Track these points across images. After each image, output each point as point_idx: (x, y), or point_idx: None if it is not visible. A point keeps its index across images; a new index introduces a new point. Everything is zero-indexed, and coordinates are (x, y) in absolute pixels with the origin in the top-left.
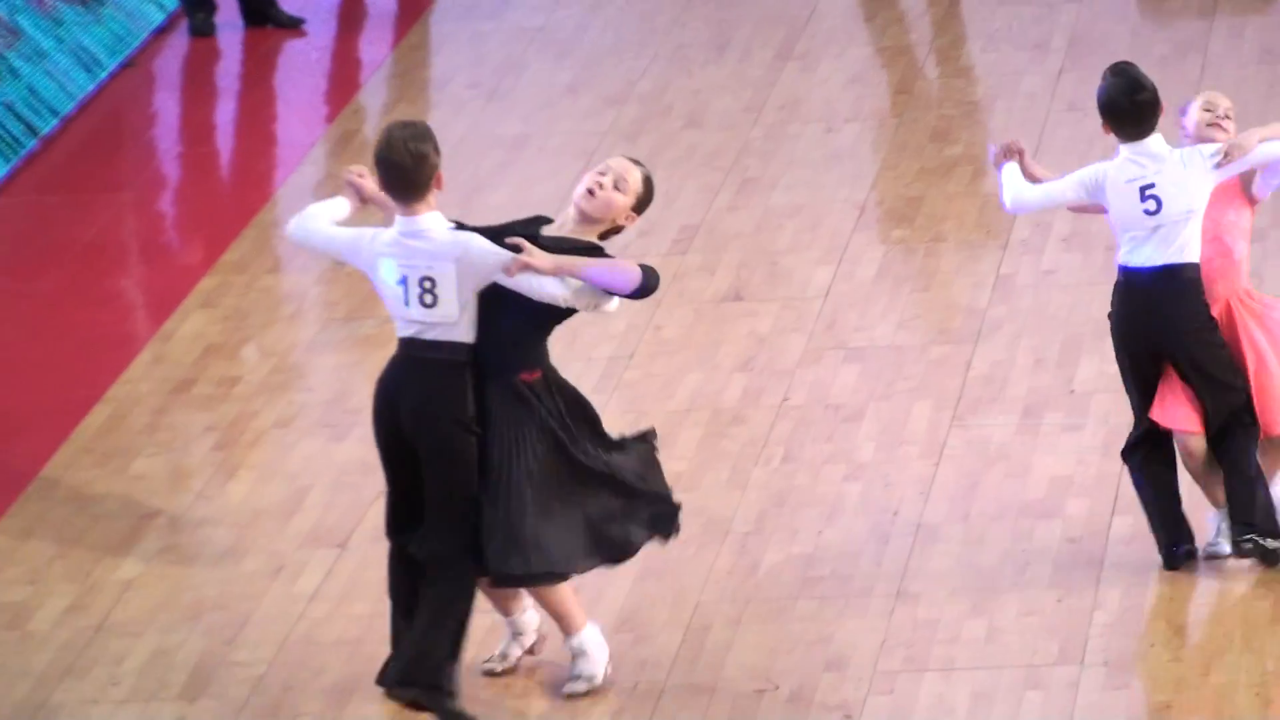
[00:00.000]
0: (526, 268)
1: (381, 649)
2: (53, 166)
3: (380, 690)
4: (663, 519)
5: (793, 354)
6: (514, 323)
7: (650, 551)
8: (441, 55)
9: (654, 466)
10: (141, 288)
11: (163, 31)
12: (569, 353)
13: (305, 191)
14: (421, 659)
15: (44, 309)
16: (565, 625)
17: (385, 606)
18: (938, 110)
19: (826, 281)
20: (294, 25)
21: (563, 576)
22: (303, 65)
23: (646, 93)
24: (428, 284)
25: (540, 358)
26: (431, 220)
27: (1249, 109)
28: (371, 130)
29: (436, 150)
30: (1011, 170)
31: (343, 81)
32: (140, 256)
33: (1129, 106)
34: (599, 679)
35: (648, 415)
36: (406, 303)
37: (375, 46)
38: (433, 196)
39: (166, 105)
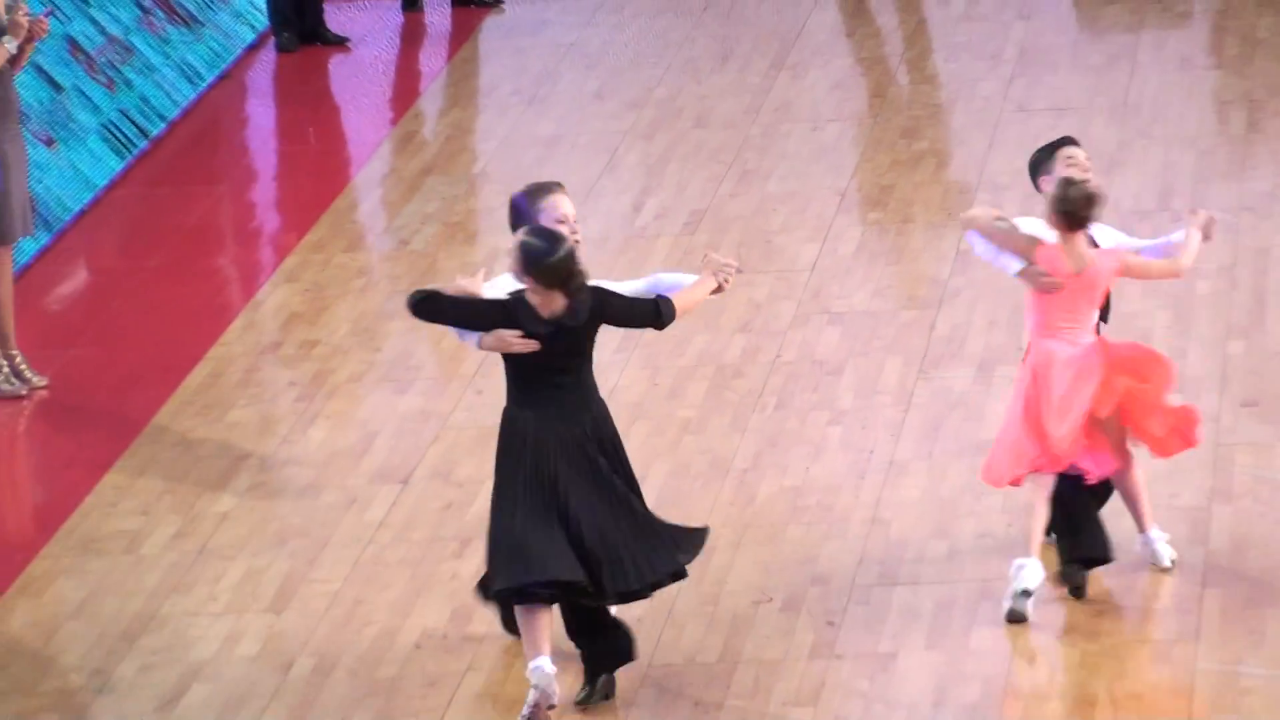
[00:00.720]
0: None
1: (439, 568)
2: (160, 163)
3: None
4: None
5: (784, 318)
6: None
7: (665, 485)
8: (488, 67)
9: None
10: (235, 265)
11: (254, 48)
12: None
13: (374, 183)
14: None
15: (153, 284)
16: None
17: (442, 533)
18: (907, 112)
19: (813, 257)
20: (340, 43)
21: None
22: (371, 76)
23: (661, 98)
24: None
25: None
26: None
27: (1170, 110)
28: (430, 131)
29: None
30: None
31: (405, 90)
32: (234, 239)
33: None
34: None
35: (662, 370)
36: None
37: (432, 60)
38: None
39: (257, 111)
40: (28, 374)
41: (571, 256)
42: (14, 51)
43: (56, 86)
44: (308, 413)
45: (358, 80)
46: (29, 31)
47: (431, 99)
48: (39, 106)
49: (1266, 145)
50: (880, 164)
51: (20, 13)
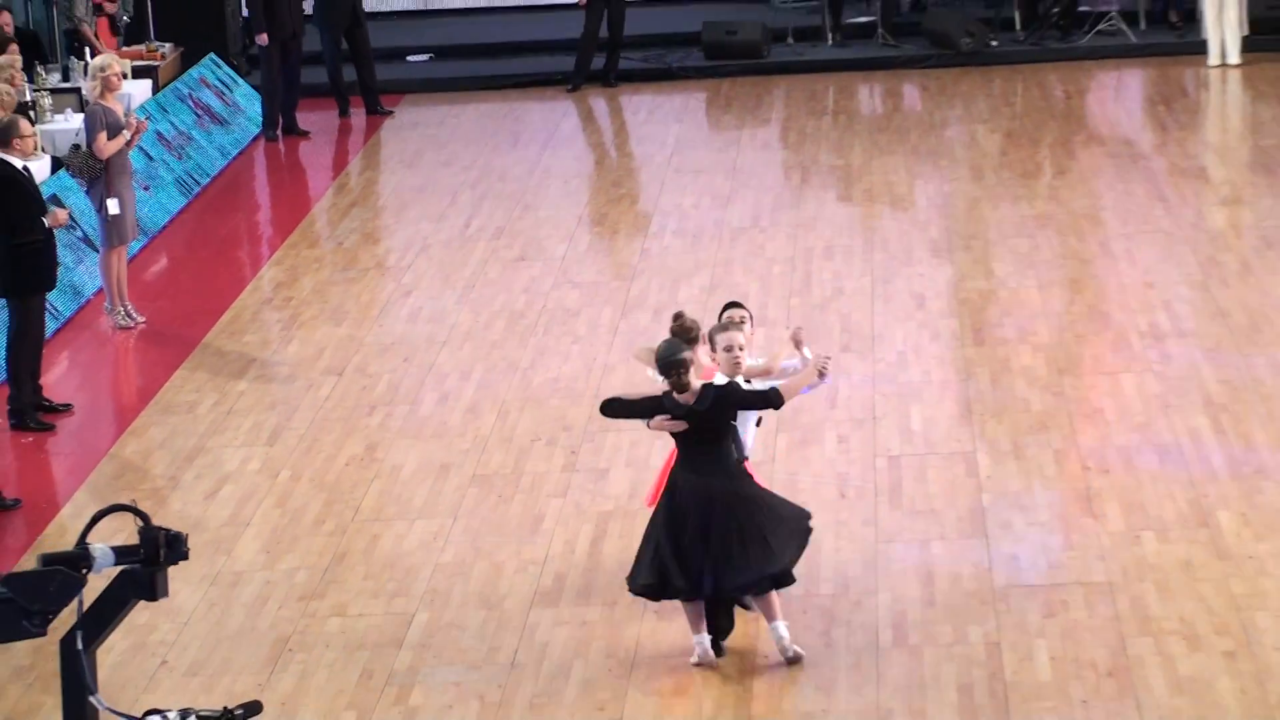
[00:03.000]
0: None
1: (360, 420)
2: (206, 201)
3: None
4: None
5: (546, 283)
6: None
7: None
8: (386, 148)
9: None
10: (247, 255)
11: (256, 138)
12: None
13: (324, 210)
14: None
15: (201, 266)
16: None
17: (360, 402)
18: (620, 168)
19: (562, 251)
20: (305, 134)
21: None
22: (322, 153)
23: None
24: None
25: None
26: None
27: (759, 172)
28: (354, 183)
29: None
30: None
31: (340, 160)
32: (247, 242)
33: None
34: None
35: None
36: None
37: (355, 143)
38: None
39: (258, 172)
40: (135, 315)
41: (674, 364)
42: (128, 138)
43: (150, 157)
44: (286, 336)
45: (315, 154)
46: (136, 128)
47: (355, 165)
48: (141, 168)
49: (812, 193)
50: (600, 200)
51: (131, 117)
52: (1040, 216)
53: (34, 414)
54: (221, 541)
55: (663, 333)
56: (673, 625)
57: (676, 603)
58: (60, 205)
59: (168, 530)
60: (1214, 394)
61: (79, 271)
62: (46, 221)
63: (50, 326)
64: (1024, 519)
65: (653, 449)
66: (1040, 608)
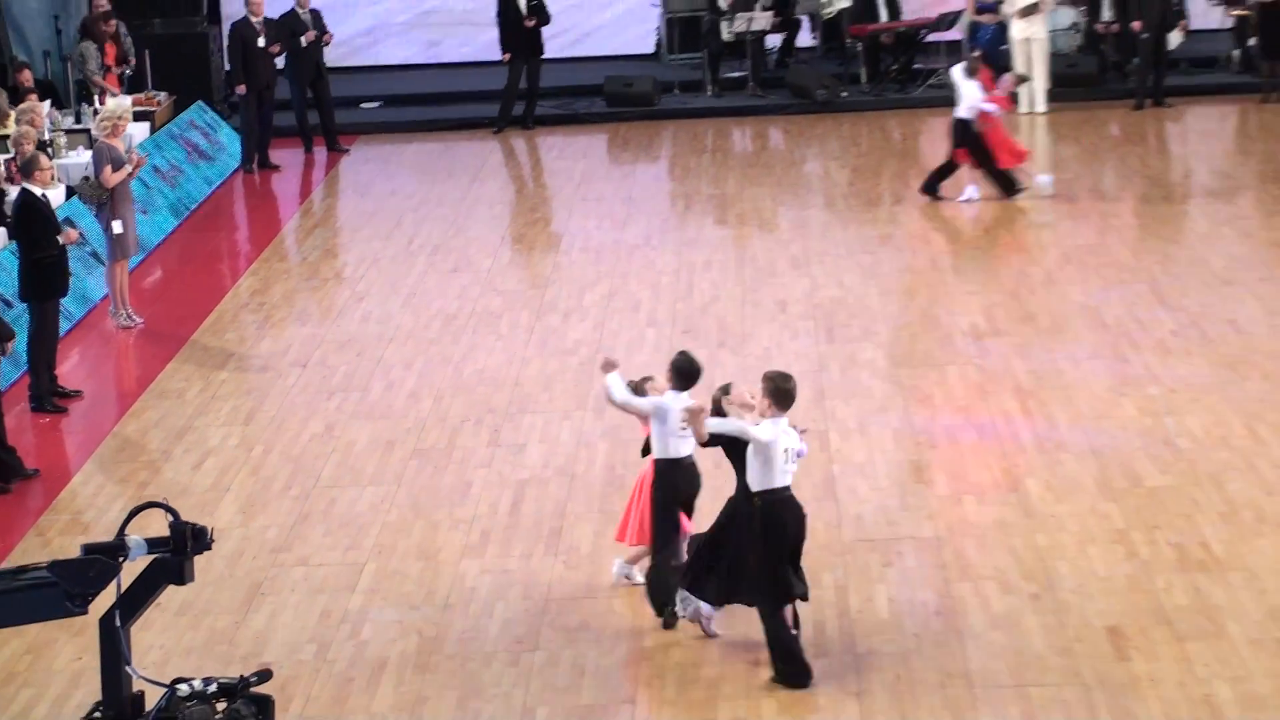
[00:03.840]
0: None
1: (321, 402)
2: (195, 222)
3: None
4: None
5: (475, 290)
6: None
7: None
8: (344, 179)
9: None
10: (228, 267)
11: (236, 170)
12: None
13: (292, 231)
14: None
15: (192, 276)
16: None
17: (322, 388)
18: (540, 192)
19: (489, 264)
20: (275, 168)
21: None
22: (290, 183)
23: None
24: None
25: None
26: None
27: (650, 200)
28: (317, 209)
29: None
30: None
31: (305, 189)
32: (228, 255)
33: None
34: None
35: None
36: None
37: (318, 175)
38: None
39: (237, 199)
40: (135, 317)
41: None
42: (130, 171)
43: (147, 186)
44: (260, 335)
45: (284, 185)
46: (136, 162)
47: (318, 194)
48: (140, 195)
49: (694, 217)
50: (519, 223)
51: (133, 153)
52: (881, 236)
53: (50, 399)
54: (205, 504)
55: (573, 331)
56: (578, 573)
57: (583, 552)
58: (72, 226)
59: (194, 524)
60: (1023, 382)
61: (88, 281)
62: (61, 239)
63: (63, 326)
64: (867, 485)
65: (562, 428)
66: (880, 558)
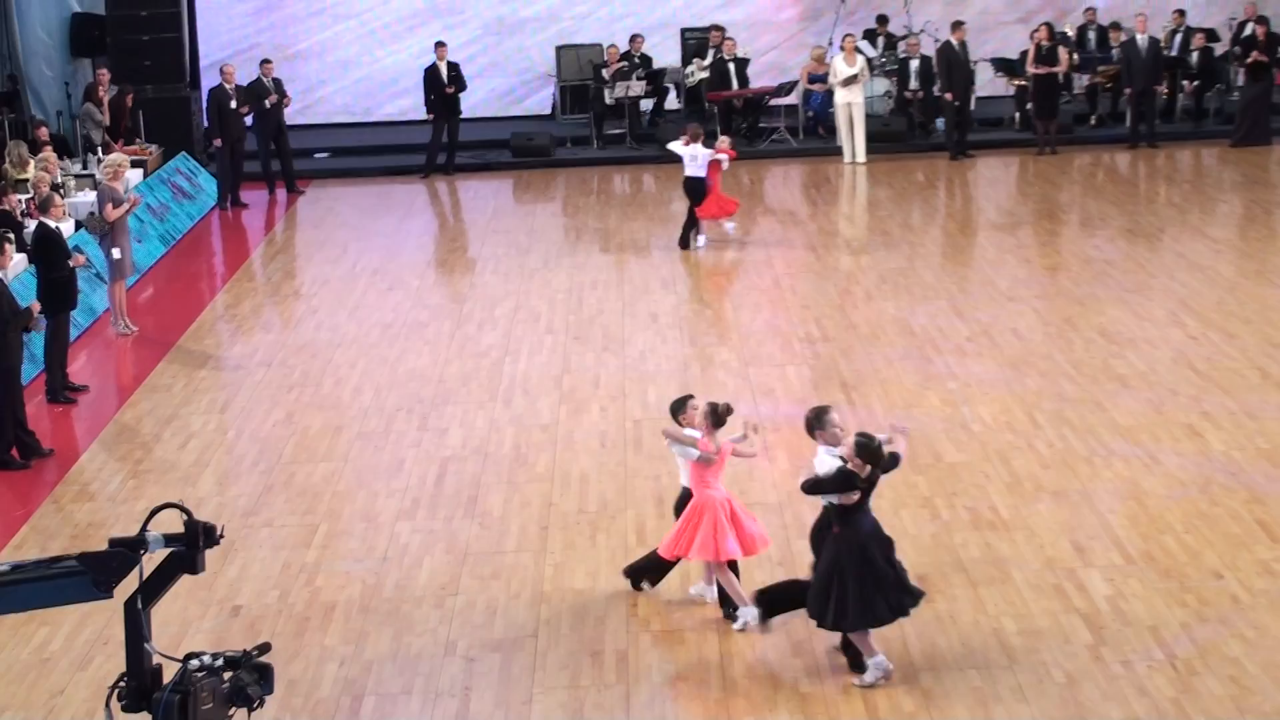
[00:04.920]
0: None
1: (283, 395)
2: (180, 249)
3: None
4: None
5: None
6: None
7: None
8: (301, 215)
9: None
10: (206, 285)
11: (213, 207)
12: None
13: (258, 258)
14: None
15: (178, 293)
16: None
17: (282, 384)
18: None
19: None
20: (245, 205)
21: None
22: (257, 218)
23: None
24: None
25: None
26: None
27: (553, 235)
28: (278, 239)
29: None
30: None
31: (270, 222)
32: (206, 276)
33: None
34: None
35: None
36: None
37: (279, 212)
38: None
39: (214, 230)
40: (131, 326)
41: (875, 454)
42: (127, 208)
43: (141, 220)
44: (233, 340)
45: (252, 220)
46: (132, 201)
47: (279, 227)
48: (135, 227)
49: (583, 246)
50: (442, 250)
51: (130, 194)
52: (735, 261)
53: (63, 392)
54: (189, 477)
55: (486, 337)
56: (490, 532)
57: (494, 516)
58: (80, 252)
59: (205, 522)
60: (848, 379)
61: (93, 297)
62: (71, 263)
63: (73, 333)
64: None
65: (477, 415)
66: None
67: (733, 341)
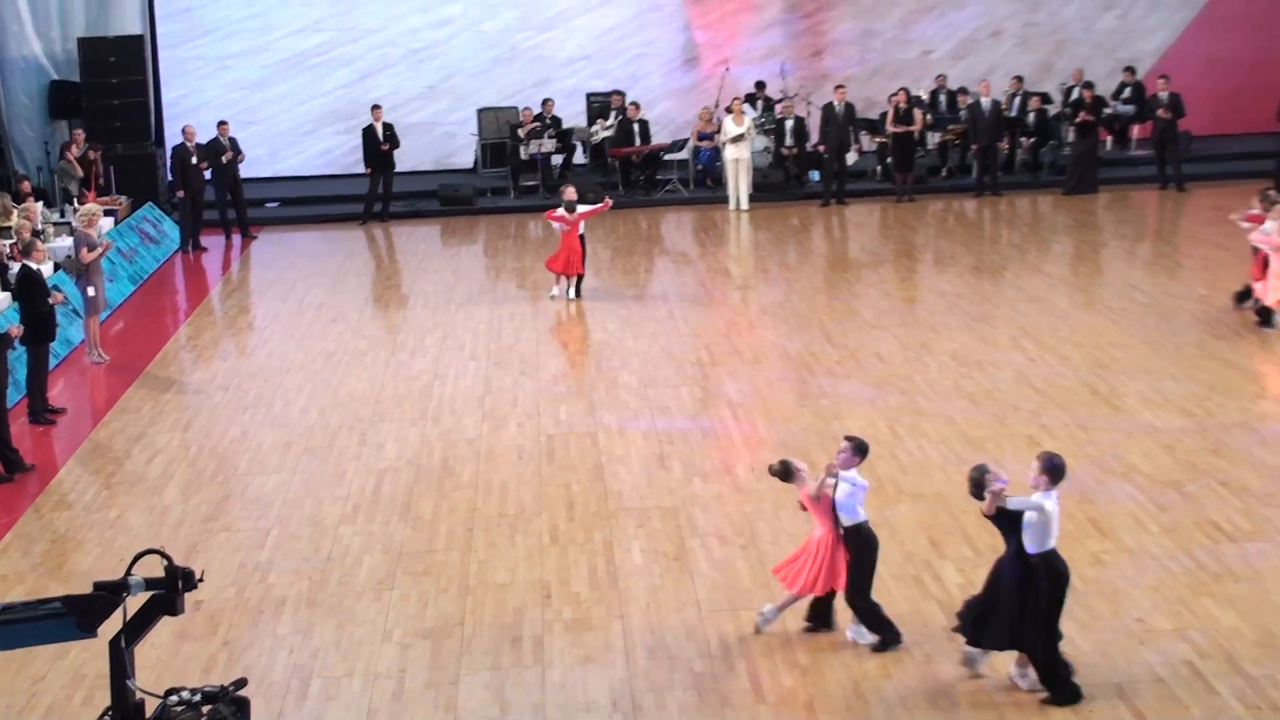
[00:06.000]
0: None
1: (254, 411)
2: (148, 287)
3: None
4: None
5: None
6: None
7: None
8: (255, 257)
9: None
10: (171, 318)
11: (177, 250)
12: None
13: (218, 295)
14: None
15: (145, 327)
16: None
17: (256, 400)
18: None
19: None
20: (204, 249)
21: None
22: (216, 259)
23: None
24: None
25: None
26: None
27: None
28: (235, 277)
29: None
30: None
31: (227, 263)
32: (170, 311)
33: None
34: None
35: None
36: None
37: (235, 254)
38: None
39: (178, 271)
40: (104, 355)
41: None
42: (101, 251)
43: (113, 262)
44: (194, 367)
45: (211, 262)
46: (105, 245)
47: (237, 269)
48: (108, 268)
49: (502, 283)
50: (379, 287)
51: (103, 239)
52: (635, 296)
53: (43, 414)
54: (156, 488)
55: (417, 363)
56: (421, 534)
57: (425, 520)
58: (59, 291)
59: (184, 568)
60: (733, 398)
61: (70, 330)
62: (50, 300)
63: (52, 362)
64: (625, 470)
65: (410, 432)
66: (635, 520)
67: (633, 366)
